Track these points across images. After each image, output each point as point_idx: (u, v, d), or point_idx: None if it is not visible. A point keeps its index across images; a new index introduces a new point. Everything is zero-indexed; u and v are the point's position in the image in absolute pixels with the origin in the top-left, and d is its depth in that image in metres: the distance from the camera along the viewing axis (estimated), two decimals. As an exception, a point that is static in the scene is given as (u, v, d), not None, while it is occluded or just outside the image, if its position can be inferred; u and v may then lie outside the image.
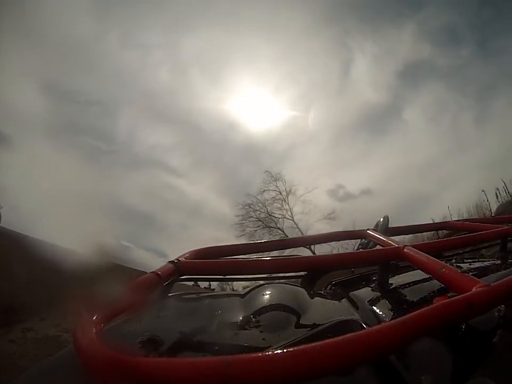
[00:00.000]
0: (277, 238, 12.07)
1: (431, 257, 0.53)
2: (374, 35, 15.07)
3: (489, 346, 0.38)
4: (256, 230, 12.56)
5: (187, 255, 0.60)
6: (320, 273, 0.69)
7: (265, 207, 12.71)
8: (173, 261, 0.55)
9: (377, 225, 0.87)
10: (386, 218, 0.86)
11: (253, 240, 12.13)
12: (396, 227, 0.93)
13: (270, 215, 12.69)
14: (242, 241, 12.21)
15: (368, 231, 0.80)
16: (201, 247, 0.66)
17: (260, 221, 12.65)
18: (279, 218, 12.74)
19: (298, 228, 12.46)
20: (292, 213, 12.62)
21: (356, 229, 0.93)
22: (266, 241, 0.89)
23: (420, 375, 0.36)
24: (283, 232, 12.54)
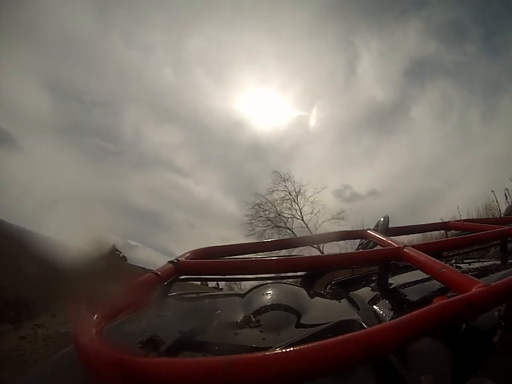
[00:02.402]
0: (287, 237, 12.12)
1: (431, 257, 0.53)
2: (379, 32, 15.04)
3: (489, 346, 0.38)
4: (266, 230, 12.64)
5: (187, 255, 0.60)
6: (320, 273, 0.69)
7: (275, 206, 12.76)
8: (172, 260, 0.55)
9: (377, 225, 0.87)
10: (386, 218, 0.86)
11: (262, 240, 12.21)
12: (396, 227, 0.93)
13: (279, 214, 12.73)
14: (252, 240, 12.27)
15: (368, 231, 0.80)
16: (201, 247, 0.66)
17: (269, 220, 12.70)
18: (288, 218, 12.77)
19: (307, 227, 12.50)
20: (301, 213, 12.66)
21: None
22: (266, 241, 0.90)
23: (419, 375, 0.36)
24: (292, 232, 12.60)
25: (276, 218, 12.72)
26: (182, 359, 0.32)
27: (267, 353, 0.27)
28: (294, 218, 12.72)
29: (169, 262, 0.55)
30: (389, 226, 0.86)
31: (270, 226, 12.64)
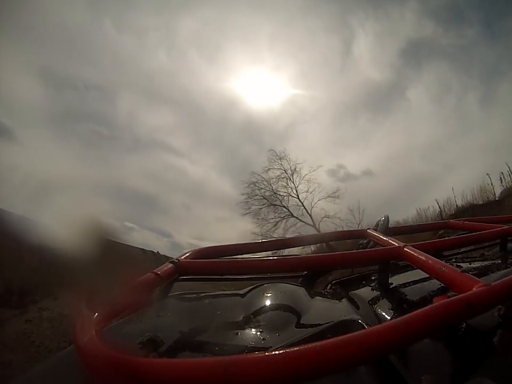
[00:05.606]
0: (282, 215, 12.14)
1: (431, 256, 0.53)
2: (376, 12, 14.79)
3: (489, 346, 0.38)
4: (261, 208, 12.69)
5: (187, 255, 0.60)
6: (320, 273, 0.70)
7: (270, 185, 12.82)
8: (173, 260, 0.55)
9: (377, 224, 0.87)
10: (386, 218, 0.86)
11: (258, 218, 12.20)
12: (396, 227, 0.93)
13: (275, 193, 12.78)
14: (248, 219, 12.33)
15: (368, 231, 0.80)
16: (201, 247, 0.66)
17: (265, 199, 12.76)
18: (284, 196, 12.81)
19: (303, 205, 12.55)
20: (297, 191, 12.70)
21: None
22: (267, 241, 0.90)
23: (419, 375, 0.36)
24: (288, 210, 12.66)
25: (272, 197, 12.81)
26: (182, 359, 0.32)
27: (267, 353, 0.27)
28: (290, 197, 12.81)
29: (169, 261, 0.55)
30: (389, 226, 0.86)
31: (266, 205, 12.71)
